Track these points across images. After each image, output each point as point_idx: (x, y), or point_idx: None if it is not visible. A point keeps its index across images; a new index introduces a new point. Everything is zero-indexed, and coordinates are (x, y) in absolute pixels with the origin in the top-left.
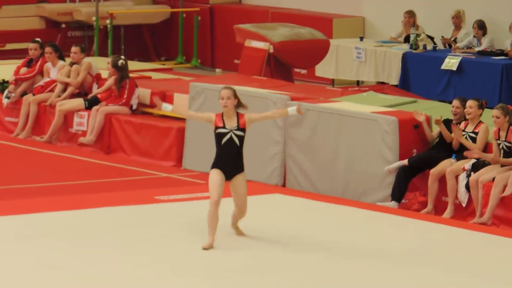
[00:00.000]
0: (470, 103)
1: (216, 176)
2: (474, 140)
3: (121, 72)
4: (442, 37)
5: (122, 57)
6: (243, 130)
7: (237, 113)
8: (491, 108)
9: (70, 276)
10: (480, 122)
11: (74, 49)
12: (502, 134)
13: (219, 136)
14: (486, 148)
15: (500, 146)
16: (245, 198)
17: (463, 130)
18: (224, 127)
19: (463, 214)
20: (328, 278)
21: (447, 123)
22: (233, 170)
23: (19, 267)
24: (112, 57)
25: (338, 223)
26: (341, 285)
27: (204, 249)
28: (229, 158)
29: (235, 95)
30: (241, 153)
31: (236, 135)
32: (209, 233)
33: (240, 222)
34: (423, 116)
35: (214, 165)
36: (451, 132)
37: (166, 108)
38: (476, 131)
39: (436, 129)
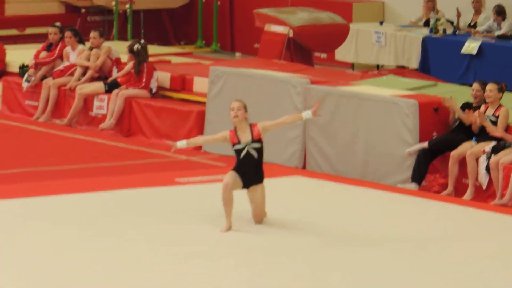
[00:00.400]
0: (490, 86)
1: (232, 173)
2: (494, 123)
3: (138, 57)
4: (457, 8)
5: (142, 41)
6: (259, 141)
7: (250, 125)
8: (511, 91)
9: (87, 257)
10: (500, 105)
11: (93, 34)
12: None
13: (237, 152)
14: (507, 131)
15: None
16: (263, 207)
17: (479, 111)
18: (239, 143)
19: (484, 196)
20: (348, 261)
21: (467, 106)
22: (253, 180)
23: (40, 248)
24: (131, 41)
25: (358, 205)
26: (361, 268)
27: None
28: (249, 169)
29: (245, 108)
30: (260, 163)
31: (254, 148)
32: (226, 217)
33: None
34: (451, 100)
35: (234, 169)
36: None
37: (182, 144)
38: (497, 114)
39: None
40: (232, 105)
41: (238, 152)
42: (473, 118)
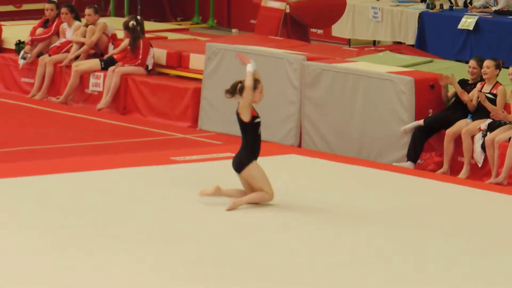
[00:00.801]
0: (487, 63)
1: (261, 168)
2: (490, 100)
3: (133, 33)
4: None
5: (138, 17)
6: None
7: None
8: (507, 67)
9: (84, 235)
10: (498, 83)
11: (87, 11)
12: None
13: (255, 127)
14: (505, 109)
15: None
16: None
17: (479, 91)
18: (258, 116)
19: (479, 174)
20: (343, 239)
21: (463, 83)
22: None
23: (34, 228)
24: (127, 17)
25: (354, 183)
26: (355, 244)
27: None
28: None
29: None
30: None
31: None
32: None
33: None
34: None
35: (253, 157)
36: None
37: (250, 67)
38: (494, 92)
39: (452, 89)
40: (263, 86)
41: (256, 126)
42: (466, 98)
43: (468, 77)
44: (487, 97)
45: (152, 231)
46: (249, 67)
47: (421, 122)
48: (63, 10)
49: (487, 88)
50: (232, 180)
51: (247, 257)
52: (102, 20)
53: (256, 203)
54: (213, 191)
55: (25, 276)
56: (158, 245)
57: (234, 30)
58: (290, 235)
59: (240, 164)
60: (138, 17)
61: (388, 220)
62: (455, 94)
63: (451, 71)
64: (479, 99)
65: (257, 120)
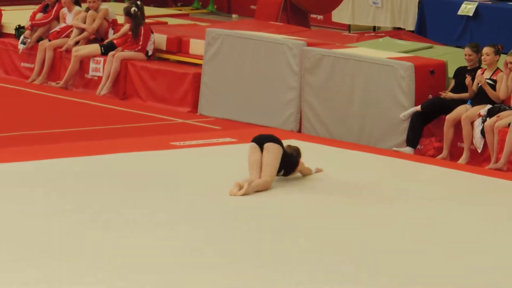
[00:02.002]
0: (486, 50)
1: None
2: (491, 86)
3: (135, 20)
4: None
5: (138, 3)
6: None
7: None
8: (506, 53)
9: (84, 220)
10: (498, 69)
11: None
12: None
13: None
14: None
15: None
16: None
17: (480, 76)
18: None
19: (479, 160)
20: (343, 222)
21: (462, 70)
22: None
23: (34, 211)
24: (128, 3)
25: (354, 168)
26: (356, 228)
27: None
28: None
29: None
30: None
31: None
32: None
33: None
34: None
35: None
36: (464, 80)
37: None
38: (494, 78)
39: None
40: None
41: None
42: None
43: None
44: (488, 84)
45: (151, 216)
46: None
47: (418, 107)
48: None
49: (487, 74)
50: (232, 164)
51: (246, 242)
52: (104, 5)
53: (257, 191)
54: (243, 189)
55: (18, 263)
56: (158, 230)
57: (234, 16)
58: (287, 221)
59: (274, 139)
60: (138, 2)
61: (386, 204)
62: (455, 81)
63: (450, 57)
64: (479, 85)
65: None
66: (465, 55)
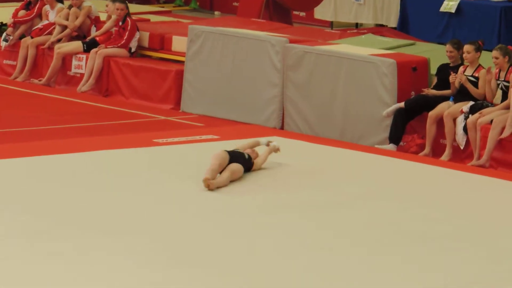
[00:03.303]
0: (466, 48)
1: None
2: (474, 83)
3: (127, 8)
4: None
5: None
6: None
7: None
8: (490, 50)
9: (69, 217)
10: (480, 66)
11: None
12: (502, 75)
13: None
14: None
15: (499, 86)
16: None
17: (461, 73)
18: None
19: (461, 157)
20: (327, 219)
21: (445, 67)
22: None
23: (19, 209)
24: None
25: (337, 165)
26: (342, 226)
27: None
28: None
29: None
30: None
31: None
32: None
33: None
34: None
35: None
36: (447, 77)
37: None
38: (476, 75)
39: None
40: None
41: None
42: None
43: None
44: (469, 80)
45: (132, 215)
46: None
47: (402, 104)
48: None
49: (469, 71)
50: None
51: (237, 236)
52: (87, 3)
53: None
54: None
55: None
56: (139, 227)
57: (216, 13)
58: (269, 218)
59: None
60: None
61: (369, 202)
62: (437, 78)
63: (433, 53)
64: (461, 82)
65: None
66: (447, 51)
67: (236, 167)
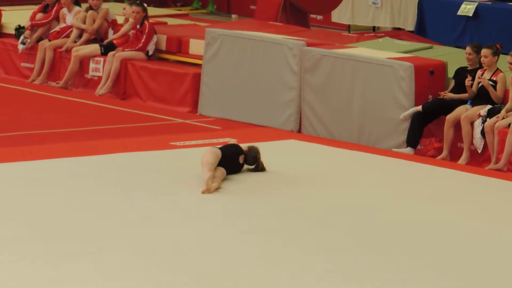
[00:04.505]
0: (484, 52)
1: None
2: (492, 87)
3: (145, 11)
4: None
5: (137, 2)
6: None
7: None
8: (506, 54)
9: (89, 218)
10: (498, 69)
11: None
12: None
13: None
14: (505, 96)
15: None
16: None
17: (480, 77)
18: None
19: (479, 160)
20: (342, 222)
21: (462, 70)
22: None
23: (38, 211)
24: (127, 3)
25: (354, 169)
26: (356, 228)
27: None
28: None
29: None
30: None
31: None
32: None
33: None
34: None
35: None
36: (463, 79)
37: None
38: (494, 79)
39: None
40: None
41: None
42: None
43: (467, 63)
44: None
45: (149, 217)
46: None
47: (419, 108)
48: None
49: (487, 75)
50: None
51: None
52: (104, 6)
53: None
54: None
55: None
56: (154, 231)
57: (233, 16)
58: (284, 220)
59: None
60: (137, 1)
61: (386, 206)
62: (455, 81)
63: (450, 57)
64: (479, 85)
65: None
66: (466, 53)
67: (221, 172)
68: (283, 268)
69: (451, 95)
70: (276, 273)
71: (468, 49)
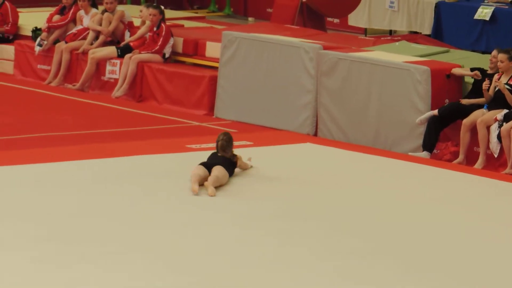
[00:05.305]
0: (500, 57)
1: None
2: (509, 91)
3: (162, 14)
4: None
5: (154, 4)
6: None
7: None
8: None
9: (102, 220)
10: None
11: None
12: None
13: None
14: None
15: None
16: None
17: (497, 81)
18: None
19: (495, 165)
20: (358, 226)
21: (481, 73)
22: None
23: (54, 213)
24: (144, 5)
25: (369, 172)
26: (370, 233)
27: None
28: None
29: None
30: None
31: None
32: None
33: (273, 171)
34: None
35: None
36: (482, 81)
37: None
38: (511, 83)
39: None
40: None
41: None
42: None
43: (485, 67)
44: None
45: (162, 219)
46: None
47: (435, 112)
48: None
49: (504, 79)
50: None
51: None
52: (120, 8)
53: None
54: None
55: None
56: (166, 232)
57: (250, 19)
58: (300, 224)
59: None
60: (154, 4)
61: (401, 210)
62: (472, 85)
63: (467, 61)
64: (496, 89)
65: None
66: (493, 57)
67: (219, 170)
68: (293, 271)
69: (468, 100)
70: (286, 276)
71: (495, 52)
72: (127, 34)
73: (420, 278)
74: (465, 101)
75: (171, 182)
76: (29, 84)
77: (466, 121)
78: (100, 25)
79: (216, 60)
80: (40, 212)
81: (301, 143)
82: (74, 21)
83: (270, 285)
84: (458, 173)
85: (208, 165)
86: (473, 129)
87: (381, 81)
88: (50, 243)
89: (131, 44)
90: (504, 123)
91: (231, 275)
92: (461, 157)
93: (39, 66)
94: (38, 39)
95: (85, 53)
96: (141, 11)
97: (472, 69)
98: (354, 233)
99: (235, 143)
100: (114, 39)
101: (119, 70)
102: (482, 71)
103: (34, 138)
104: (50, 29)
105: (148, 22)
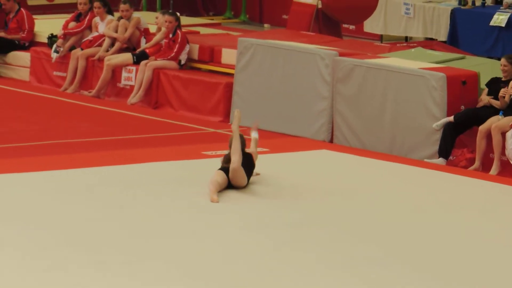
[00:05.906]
0: (502, 61)
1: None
2: None
3: (178, 21)
4: None
5: (170, 11)
6: None
7: None
8: None
9: (119, 227)
10: None
11: (123, 6)
12: None
13: None
14: None
15: None
16: None
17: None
18: None
19: (511, 172)
20: (375, 232)
21: (495, 81)
22: None
23: (71, 220)
24: (160, 12)
25: (385, 179)
26: (387, 240)
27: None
28: None
29: None
30: None
31: None
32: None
33: (289, 178)
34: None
35: None
36: (497, 91)
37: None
38: None
39: (485, 89)
40: None
41: None
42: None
43: (499, 74)
44: None
45: (178, 226)
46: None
47: (451, 118)
48: (96, 4)
49: None
50: (264, 174)
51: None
52: (135, 14)
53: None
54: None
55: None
56: (183, 240)
57: (266, 25)
58: (314, 232)
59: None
60: (170, 11)
61: (419, 217)
62: (488, 91)
63: (483, 67)
64: (511, 96)
65: None
66: (501, 65)
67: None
68: (309, 279)
69: (486, 97)
70: (302, 284)
71: (503, 60)
72: (143, 40)
73: (434, 285)
74: (483, 97)
75: (186, 189)
76: (45, 91)
77: (482, 128)
78: (116, 31)
79: (232, 66)
80: (56, 218)
81: (317, 150)
82: (89, 28)
83: None
84: (474, 180)
85: (227, 170)
86: (489, 136)
87: (396, 88)
88: (65, 249)
89: (147, 50)
90: None
91: (246, 282)
92: (477, 163)
93: (55, 73)
94: (54, 46)
95: (101, 60)
96: (157, 17)
97: (486, 84)
98: (370, 240)
99: (250, 150)
100: (130, 46)
101: (134, 77)
102: (497, 79)
103: (50, 144)
104: (66, 36)
105: (164, 29)
